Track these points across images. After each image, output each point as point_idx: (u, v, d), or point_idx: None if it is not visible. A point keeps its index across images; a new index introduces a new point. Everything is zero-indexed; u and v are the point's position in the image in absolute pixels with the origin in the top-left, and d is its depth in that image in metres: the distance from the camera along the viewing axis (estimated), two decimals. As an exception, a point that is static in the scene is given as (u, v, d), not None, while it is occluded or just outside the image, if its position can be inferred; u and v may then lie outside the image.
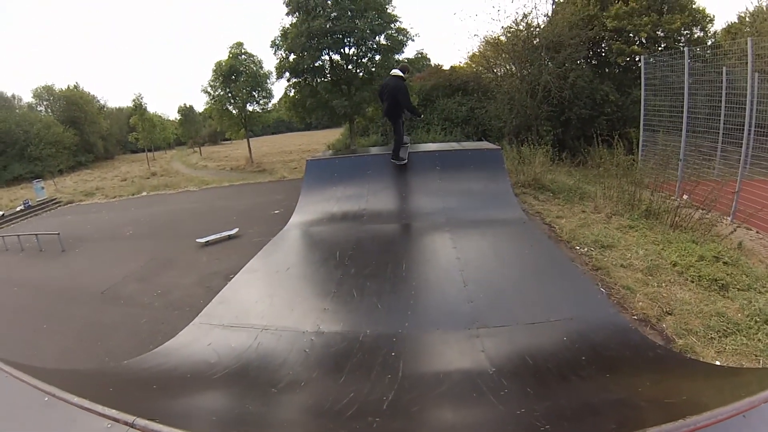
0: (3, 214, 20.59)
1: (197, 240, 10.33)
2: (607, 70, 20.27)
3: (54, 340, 6.36)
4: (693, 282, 5.21)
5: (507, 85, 18.61)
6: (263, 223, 10.97)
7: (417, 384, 2.84)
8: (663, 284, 5.17)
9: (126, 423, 2.10)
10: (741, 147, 8.84)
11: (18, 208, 21.77)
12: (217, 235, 10.36)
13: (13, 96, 43.81)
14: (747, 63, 9.06)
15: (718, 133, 10.01)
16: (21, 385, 2.45)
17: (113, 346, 5.86)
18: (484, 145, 9.21)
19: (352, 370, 3.05)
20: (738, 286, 5.02)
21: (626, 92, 18.59)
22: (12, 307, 8.16)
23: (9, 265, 11.55)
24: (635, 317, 4.56)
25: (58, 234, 12.53)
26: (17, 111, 40.20)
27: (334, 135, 34.35)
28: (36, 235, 12.84)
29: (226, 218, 12.44)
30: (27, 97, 52.20)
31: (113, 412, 2.16)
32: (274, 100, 30.05)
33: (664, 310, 4.66)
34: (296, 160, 27.57)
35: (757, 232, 8.06)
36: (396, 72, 7.52)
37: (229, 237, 10.40)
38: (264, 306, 4.41)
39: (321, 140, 33.85)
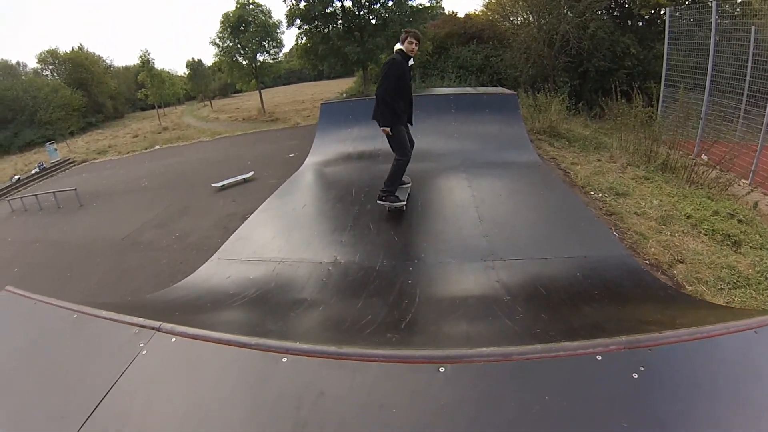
0: (19, 178, 20.85)
1: (213, 185, 10.41)
2: (629, 23, 19.33)
3: (78, 287, 6.58)
4: (706, 235, 5.19)
5: (524, 34, 17.92)
6: (278, 166, 10.97)
7: (434, 308, 2.92)
8: (676, 234, 5.16)
9: (153, 328, 2.23)
10: (765, 111, 8.56)
11: (33, 171, 22.06)
12: (233, 179, 10.42)
13: (18, 63, 43.14)
14: None
15: (743, 94, 9.65)
16: (50, 308, 2.58)
17: (135, 287, 6.05)
18: (500, 90, 9.00)
19: (370, 296, 3.14)
20: (750, 244, 4.98)
21: (648, 46, 17.82)
22: (35, 261, 8.39)
23: (29, 224, 11.78)
24: (647, 262, 4.57)
25: (75, 190, 12.68)
26: (23, 78, 39.78)
27: (346, 84, 33.65)
28: (53, 193, 12.98)
29: (240, 164, 12.45)
30: (32, 63, 51.65)
31: (140, 320, 2.30)
32: (285, 50, 29.38)
33: (676, 258, 4.67)
34: (309, 108, 27.10)
35: None
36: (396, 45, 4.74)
37: (245, 180, 10.46)
38: (281, 241, 4.49)
39: (333, 89, 33.12)
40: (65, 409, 1.89)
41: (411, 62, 4.70)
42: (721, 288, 4.15)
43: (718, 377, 1.66)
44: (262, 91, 30.76)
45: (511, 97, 7.67)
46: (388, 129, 4.60)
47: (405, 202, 4.69)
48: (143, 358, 2.07)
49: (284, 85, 57.24)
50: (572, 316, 2.88)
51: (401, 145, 4.80)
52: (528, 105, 10.79)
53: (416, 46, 4.62)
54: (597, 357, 1.58)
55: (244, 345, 2.02)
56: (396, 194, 4.69)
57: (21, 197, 14.32)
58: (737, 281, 4.22)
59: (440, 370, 1.53)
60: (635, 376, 1.53)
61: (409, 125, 5.01)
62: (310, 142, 7.77)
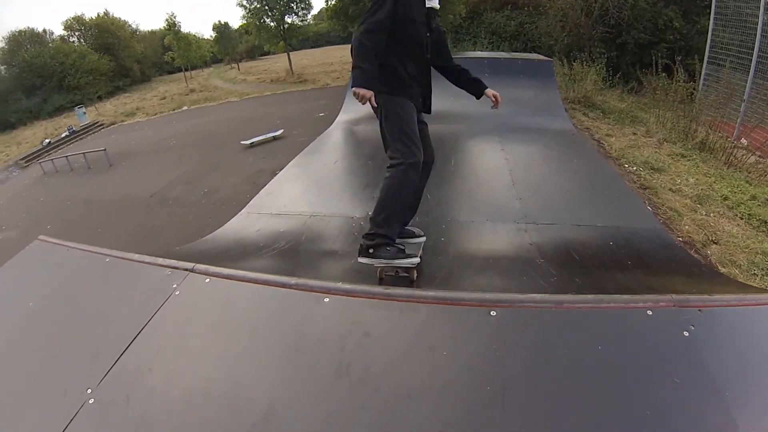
0: (50, 142, 21.24)
1: (242, 142, 10.41)
2: (674, -6, 18.27)
3: (108, 243, 6.58)
4: (742, 219, 5.04)
5: (561, 1, 17.11)
6: (308, 125, 10.88)
7: (468, 265, 2.92)
8: (711, 214, 5.02)
9: (186, 269, 2.20)
10: None
11: (63, 135, 22.44)
12: (262, 137, 10.40)
13: (45, 31, 42.97)
14: None
15: (791, 79, 9.12)
16: (83, 254, 2.60)
17: (164, 242, 6.16)
18: (535, 56, 8.70)
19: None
20: (788, 233, 4.84)
21: (692, 20, 16.81)
22: (67, 219, 8.58)
23: (60, 184, 12.03)
24: (680, 239, 4.48)
25: (105, 150, 12.85)
26: (50, 45, 39.98)
27: (376, 47, 32.80)
28: (83, 154, 13.18)
29: (269, 123, 12.41)
30: (58, 30, 51.77)
31: (173, 262, 2.28)
32: (314, 12, 28.73)
33: (710, 238, 4.56)
34: (338, 70, 26.58)
35: None
36: None
37: (274, 138, 10.43)
38: (312, 195, 4.49)
39: (363, 52, 32.41)
40: (97, 349, 1.90)
41: (436, 12, 2.81)
42: (755, 273, 4.05)
43: (766, 344, 1.63)
44: (290, 53, 30.30)
45: (547, 64, 7.43)
46: (365, 92, 2.40)
47: (418, 260, 2.57)
48: (176, 299, 2.07)
49: (312, 48, 56.17)
50: (606, 282, 2.85)
51: (400, 136, 2.54)
52: (563, 74, 10.44)
53: None
54: (648, 312, 1.56)
55: (284, 285, 1.98)
56: (397, 243, 2.61)
57: (52, 159, 14.61)
58: (772, 269, 4.12)
59: (491, 313, 1.52)
60: (686, 334, 1.51)
61: (423, 113, 2.89)
62: (340, 102, 7.65)
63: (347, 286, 1.84)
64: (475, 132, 5.80)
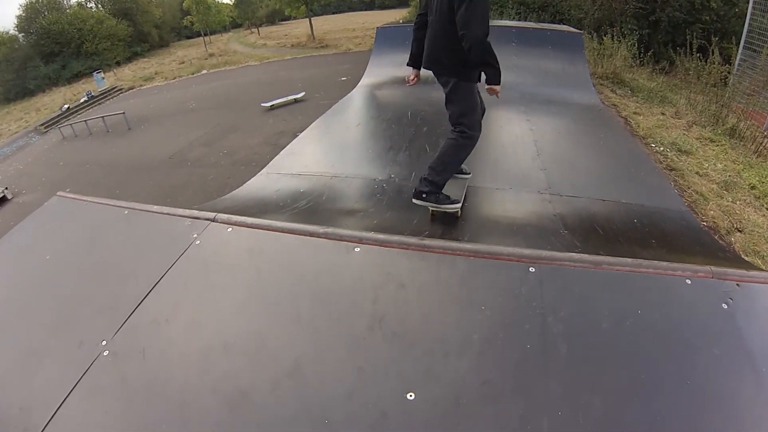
0: (69, 107, 21.30)
1: (262, 104, 10.32)
2: (713, -28, 17.39)
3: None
4: (768, 209, 4.94)
5: (593, -28, 16.42)
6: (330, 88, 10.77)
7: (492, 231, 2.90)
8: (737, 202, 4.92)
9: (207, 219, 2.15)
10: None
11: (82, 100, 22.58)
12: (283, 99, 10.32)
13: None
14: None
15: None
16: (102, 207, 2.57)
17: (183, 201, 6.17)
18: (565, 27, 8.40)
19: (426, 213, 3.10)
20: (814, 229, 4.73)
21: (731, 2, 16.07)
22: (85, 182, 8.65)
23: (79, 148, 12.09)
24: (704, 224, 4.41)
25: (123, 113, 12.81)
26: (68, 11, 39.40)
27: (400, 14, 32.07)
28: (102, 117, 13.18)
29: (290, 86, 12.30)
30: None
31: (193, 212, 2.23)
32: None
33: (735, 226, 4.48)
34: (360, 36, 26.11)
35: None
36: None
37: (295, 101, 10.33)
38: (334, 157, 4.44)
39: (386, 19, 31.74)
40: (114, 300, 1.87)
41: None
42: (778, 265, 4.00)
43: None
44: (311, 18, 29.74)
45: (576, 36, 7.17)
46: (497, 88, 2.92)
47: (460, 205, 3.01)
48: (196, 248, 2.02)
49: (334, 14, 54.93)
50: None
51: (470, 116, 3.02)
52: (592, 48, 10.10)
53: None
54: (686, 281, 1.54)
55: (312, 234, 1.93)
56: (445, 192, 3.02)
57: (71, 124, 14.61)
58: (795, 261, 4.05)
59: (531, 270, 1.50)
60: (725, 306, 1.49)
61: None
62: (363, 67, 7.50)
63: (380, 236, 1.79)
64: (501, 101, 5.64)
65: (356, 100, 6.22)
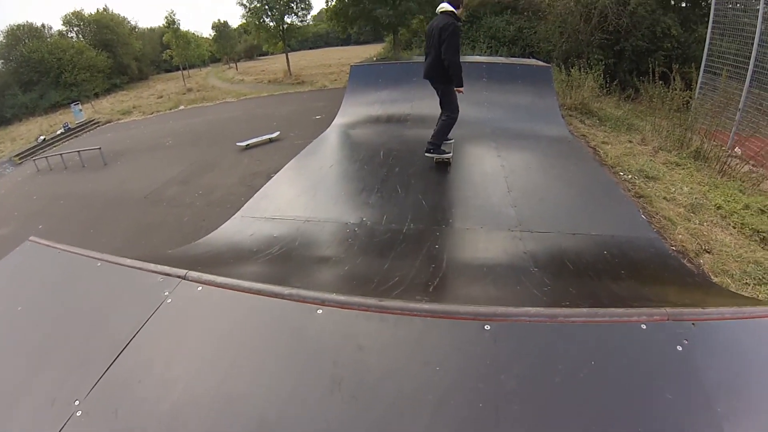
0: (44, 139, 21.08)
1: (238, 143, 10.41)
2: (672, 2, 18.34)
3: (101, 243, 6.65)
4: (735, 228, 5.07)
5: (560, 7, 17.18)
6: (304, 127, 10.93)
7: (462, 273, 2.91)
8: (704, 223, 5.04)
9: (178, 276, 2.17)
10: None
11: (58, 132, 22.30)
12: (258, 139, 10.41)
13: (43, 25, 42.39)
14: None
15: (786, 88, 9.19)
16: (74, 257, 2.55)
17: (157, 243, 6.11)
18: (534, 61, 8.73)
19: (396, 258, 3.12)
20: (780, 242, 4.87)
21: (691, 29, 16.95)
22: (59, 217, 8.51)
23: (54, 182, 11.93)
24: (673, 248, 4.50)
25: (100, 148, 12.76)
26: (48, 40, 39.48)
27: (375, 49, 32.79)
28: (78, 152, 13.09)
29: (266, 124, 12.41)
30: (57, 25, 51.29)
31: (165, 268, 2.24)
32: (313, 12, 28.81)
33: (703, 247, 4.58)
34: (336, 72, 26.64)
35: None
36: (444, 6, 4.68)
37: (270, 140, 10.44)
38: (306, 199, 4.46)
39: (361, 55, 32.56)
40: (86, 357, 1.86)
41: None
42: (747, 283, 4.07)
43: (761, 358, 1.63)
44: (288, 54, 30.32)
45: (545, 69, 7.45)
46: (461, 89, 4.97)
47: (451, 154, 5.12)
48: (168, 306, 2.03)
49: (311, 48, 56.39)
50: (600, 292, 2.85)
51: (453, 104, 5.15)
52: (560, 80, 10.47)
53: (461, 11, 4.89)
54: (642, 326, 1.56)
55: (277, 295, 1.95)
56: (442, 148, 5.09)
57: (46, 156, 14.50)
58: (763, 277, 4.12)
59: (486, 327, 1.50)
60: (679, 348, 1.51)
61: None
62: (338, 104, 7.65)
63: (341, 298, 1.81)
64: (472, 137, 5.80)
65: (329, 140, 6.31)
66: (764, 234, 4.95)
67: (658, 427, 1.33)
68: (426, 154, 5.01)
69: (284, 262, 3.36)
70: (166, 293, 2.09)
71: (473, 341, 1.51)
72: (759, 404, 1.47)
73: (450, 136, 5.26)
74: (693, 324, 1.61)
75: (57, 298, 2.35)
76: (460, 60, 4.76)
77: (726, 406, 1.39)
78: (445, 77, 4.87)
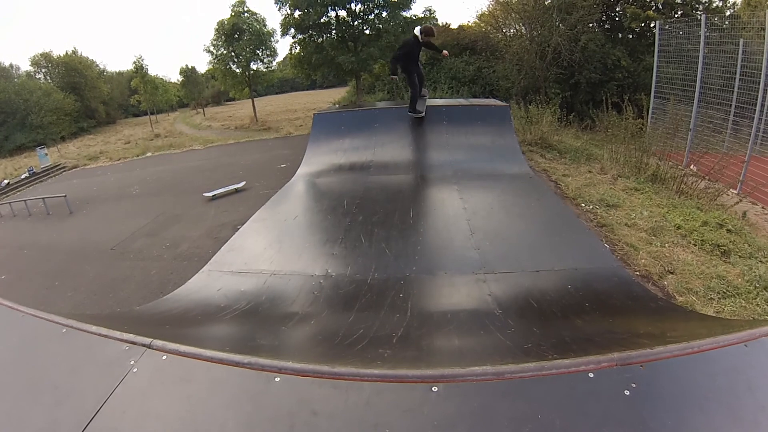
0: (8, 183, 20.61)
1: (204, 194, 10.39)
2: (620, 35, 19.67)
3: (66, 297, 6.51)
4: (696, 245, 5.26)
5: (516, 46, 18.17)
6: (270, 176, 11.04)
7: (426, 322, 2.91)
8: (666, 245, 5.21)
9: (143, 344, 2.16)
10: (753, 122, 8.71)
11: (23, 176, 21.84)
12: (224, 189, 10.45)
13: (11, 65, 42.66)
14: (765, 37, 8.80)
15: (731, 106, 9.82)
16: (38, 321, 2.49)
17: (124, 298, 6.00)
18: (492, 101, 9.07)
19: (361, 310, 3.12)
20: (740, 254, 5.06)
21: (639, 59, 18.14)
22: (22, 268, 8.30)
23: (18, 230, 11.65)
24: (638, 273, 4.62)
25: (65, 196, 12.56)
26: (16, 80, 39.35)
27: (339, 93, 33.83)
28: (43, 199, 12.84)
29: (232, 173, 12.50)
30: (25, 66, 51.20)
31: (130, 336, 2.22)
32: (279, 59, 29.57)
33: (666, 268, 4.72)
34: (301, 118, 27.28)
35: (763, 208, 8.03)
36: (415, 31, 7.36)
37: (236, 190, 10.48)
38: (272, 252, 4.45)
39: (326, 99, 33.42)
40: (53, 427, 1.84)
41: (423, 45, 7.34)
42: (711, 298, 4.20)
43: (710, 391, 1.66)
44: (255, 99, 30.85)
45: (503, 109, 7.72)
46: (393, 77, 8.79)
47: (423, 113, 7.26)
48: (134, 376, 2.02)
49: (277, 93, 57.43)
50: (564, 330, 2.87)
51: (412, 85, 7.38)
52: (520, 116, 10.91)
53: (425, 36, 7.13)
54: (589, 375, 1.58)
55: (237, 363, 1.98)
56: (417, 107, 7.24)
57: (10, 202, 14.14)
58: (727, 291, 4.26)
59: (433, 389, 1.51)
60: (627, 393, 1.53)
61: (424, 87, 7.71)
62: (302, 151, 7.78)
63: (297, 366, 1.84)
64: (434, 180, 5.93)
65: (294, 190, 6.36)
66: (724, 247, 5.14)
67: None
68: (408, 113, 7.23)
69: (251, 318, 3.35)
70: (132, 362, 2.08)
71: (421, 403, 1.52)
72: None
73: (424, 92, 7.58)
74: (641, 366, 1.64)
75: (19, 365, 2.30)
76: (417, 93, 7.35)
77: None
78: (407, 66, 7.34)
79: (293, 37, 22.42)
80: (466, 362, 1.76)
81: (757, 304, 4.07)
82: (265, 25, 26.85)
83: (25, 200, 13.52)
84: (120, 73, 52.60)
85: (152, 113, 38.04)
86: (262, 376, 1.87)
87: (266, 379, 1.85)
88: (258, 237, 5.05)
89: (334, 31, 21.46)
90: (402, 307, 3.07)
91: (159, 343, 2.17)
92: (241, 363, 1.97)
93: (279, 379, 1.82)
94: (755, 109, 8.84)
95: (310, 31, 21.52)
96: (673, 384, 1.67)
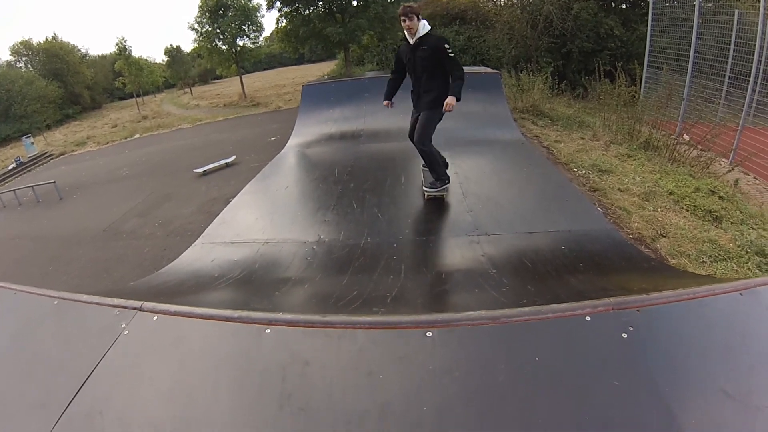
0: None
1: (195, 170, 10.27)
2: (613, 4, 19.28)
3: (61, 280, 6.47)
4: (688, 211, 5.27)
5: (507, 15, 17.82)
6: (260, 150, 10.91)
7: (420, 283, 2.89)
8: (658, 209, 5.22)
9: (134, 308, 2.18)
10: (746, 92, 8.65)
11: (10, 167, 21.30)
12: (215, 164, 10.34)
13: None
14: (760, 8, 8.67)
15: (724, 76, 9.74)
16: (30, 297, 2.52)
17: (118, 277, 5.97)
18: (483, 69, 8.93)
19: (355, 273, 3.09)
20: (731, 220, 5.07)
21: (632, 28, 17.85)
22: (16, 257, 8.20)
23: (8, 220, 11.47)
24: (630, 236, 4.62)
25: (54, 183, 12.37)
26: None
27: (328, 67, 33.17)
28: (32, 187, 12.62)
29: (222, 149, 12.36)
30: (5, 56, 49.46)
31: (121, 301, 2.24)
32: (265, 34, 28.83)
33: (659, 232, 4.73)
34: (290, 92, 26.80)
35: (755, 178, 8.04)
36: (425, 27, 4.13)
37: (227, 165, 10.38)
38: (265, 222, 4.42)
39: (315, 73, 32.80)
40: (47, 396, 1.85)
41: (414, 39, 4.05)
42: (703, 261, 4.22)
43: (705, 337, 1.67)
44: (242, 76, 30.22)
45: (494, 76, 7.62)
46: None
47: (448, 184, 4.23)
48: (125, 338, 2.04)
49: (265, 69, 56.42)
50: (558, 287, 2.88)
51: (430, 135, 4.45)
52: (511, 85, 10.78)
53: (406, 22, 3.98)
54: (586, 318, 1.57)
55: (227, 318, 1.99)
56: (441, 177, 4.20)
57: None
58: (719, 254, 4.28)
59: (427, 334, 1.50)
60: (624, 336, 1.53)
61: (414, 109, 4.61)
62: (292, 125, 7.67)
63: (288, 316, 1.83)
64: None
65: (285, 161, 6.29)
66: (716, 213, 5.16)
67: (605, 414, 1.34)
68: (424, 188, 4.28)
69: (245, 285, 3.35)
70: (123, 325, 2.10)
71: (415, 349, 1.51)
72: (705, 383, 1.49)
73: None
74: (638, 311, 1.63)
75: (14, 340, 2.33)
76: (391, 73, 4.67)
77: (673, 387, 1.42)
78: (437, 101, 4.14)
79: (279, 10, 21.73)
80: (461, 311, 1.74)
81: (749, 269, 4.09)
82: (250, 0, 26.14)
83: (14, 190, 13.28)
84: (103, 57, 51.02)
85: (138, 95, 37.23)
86: (253, 329, 1.88)
87: (257, 332, 1.85)
88: (250, 208, 5.01)
89: (320, 3, 20.86)
90: (396, 269, 3.05)
91: (149, 305, 2.18)
92: (231, 318, 1.98)
93: (270, 331, 1.82)
94: (749, 80, 8.77)
95: (297, 4, 20.89)
96: (670, 329, 1.67)
